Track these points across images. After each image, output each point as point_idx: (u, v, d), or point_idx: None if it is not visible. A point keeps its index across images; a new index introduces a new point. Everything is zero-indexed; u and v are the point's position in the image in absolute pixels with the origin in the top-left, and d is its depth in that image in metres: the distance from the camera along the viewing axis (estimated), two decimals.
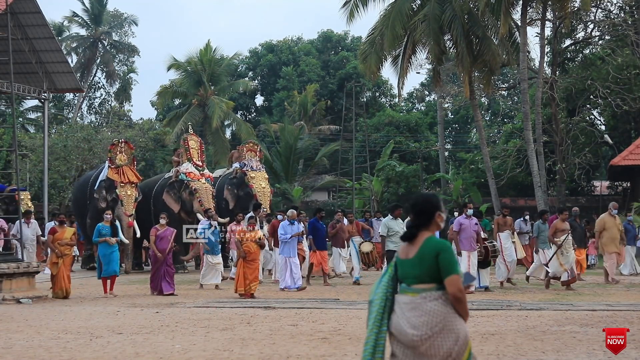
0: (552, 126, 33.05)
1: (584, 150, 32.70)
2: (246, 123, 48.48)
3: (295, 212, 18.17)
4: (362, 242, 20.78)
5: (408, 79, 37.31)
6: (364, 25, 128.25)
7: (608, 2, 34.38)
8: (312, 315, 12.73)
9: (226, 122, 48.33)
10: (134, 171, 24.35)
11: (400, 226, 16.20)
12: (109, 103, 59.02)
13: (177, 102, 50.66)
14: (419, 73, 70.61)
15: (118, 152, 24.17)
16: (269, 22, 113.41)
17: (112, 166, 23.97)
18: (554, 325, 11.16)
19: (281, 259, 17.94)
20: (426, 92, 55.94)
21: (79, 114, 56.15)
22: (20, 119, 48.36)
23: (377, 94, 55.82)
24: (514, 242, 18.81)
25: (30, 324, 11.89)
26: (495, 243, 17.33)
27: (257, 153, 25.99)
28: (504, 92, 43.99)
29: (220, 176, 26.92)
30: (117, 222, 22.94)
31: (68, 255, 16.13)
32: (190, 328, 11.18)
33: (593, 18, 34.12)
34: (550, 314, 12.60)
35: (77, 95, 54.74)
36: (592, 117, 36.48)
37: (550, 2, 29.97)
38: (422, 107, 55.29)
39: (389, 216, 16.69)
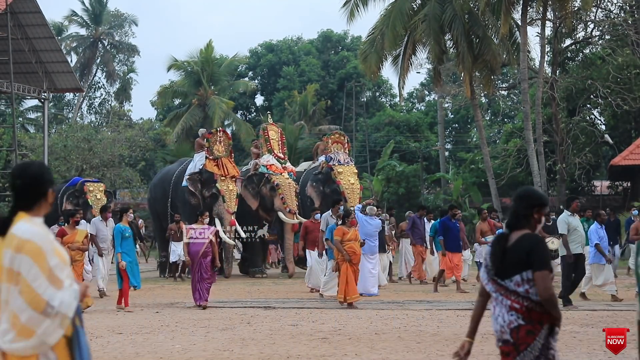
0: (552, 126, 33.03)
1: (584, 150, 32.67)
2: (246, 123, 48.45)
3: (375, 209, 16.61)
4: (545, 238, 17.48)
5: (408, 78, 37.27)
6: (364, 24, 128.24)
7: (608, 1, 34.37)
8: (312, 315, 12.73)
9: (226, 122, 48.30)
10: (233, 164, 21.54)
11: (578, 222, 13.83)
12: (109, 103, 59.01)
13: (177, 102, 50.65)
14: (419, 73, 70.60)
15: (217, 142, 21.20)
16: (269, 21, 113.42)
17: (210, 157, 20.94)
18: None
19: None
20: (426, 92, 55.91)
21: (79, 114, 56.13)
22: (20, 119, 48.33)
23: (377, 93, 55.83)
24: None
25: None
26: None
27: (345, 145, 22.96)
28: (504, 91, 43.95)
29: (304, 170, 24.11)
30: (217, 221, 20.16)
31: (79, 262, 13.73)
32: (190, 328, 11.18)
33: (593, 18, 34.10)
34: None
35: (77, 95, 54.73)
36: (593, 116, 36.45)
37: (550, 2, 29.96)
38: (422, 107, 55.28)
39: (566, 212, 14.04)
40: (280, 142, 22.80)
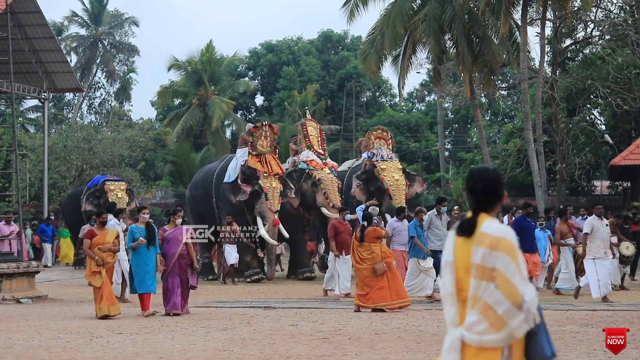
0: (552, 126, 33.03)
1: (584, 150, 32.67)
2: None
3: (377, 209, 15.89)
4: (622, 242, 16.63)
5: (408, 78, 37.29)
6: (364, 24, 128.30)
7: (608, 1, 34.39)
8: (312, 315, 12.73)
9: (226, 122, 48.31)
10: (277, 161, 20.34)
11: None
12: (109, 103, 59.07)
13: (177, 102, 50.67)
14: (419, 73, 70.56)
15: (262, 137, 20.19)
16: (268, 21, 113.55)
17: (254, 153, 19.91)
18: (554, 325, 11.15)
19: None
20: (426, 92, 55.96)
21: (79, 114, 56.18)
22: (20, 119, 48.37)
23: (377, 93, 55.86)
24: None
25: (30, 324, 11.89)
26: None
27: (388, 141, 21.80)
28: (504, 91, 43.97)
29: (348, 168, 23.29)
30: (259, 220, 19.46)
31: (110, 264, 12.99)
32: (190, 328, 11.17)
33: (593, 18, 34.11)
34: (550, 313, 12.58)
35: (77, 95, 54.77)
36: (593, 116, 36.44)
37: (550, 2, 29.95)
38: (422, 107, 55.33)
39: None
40: (319, 138, 21.96)
